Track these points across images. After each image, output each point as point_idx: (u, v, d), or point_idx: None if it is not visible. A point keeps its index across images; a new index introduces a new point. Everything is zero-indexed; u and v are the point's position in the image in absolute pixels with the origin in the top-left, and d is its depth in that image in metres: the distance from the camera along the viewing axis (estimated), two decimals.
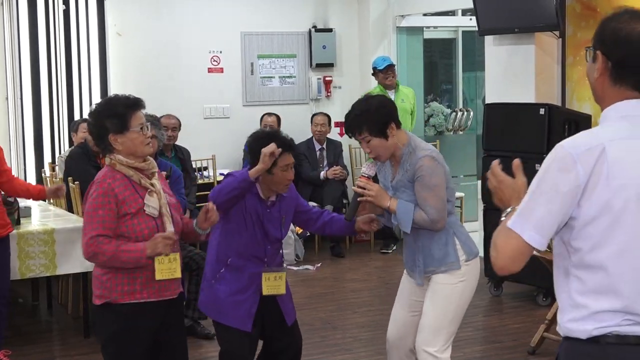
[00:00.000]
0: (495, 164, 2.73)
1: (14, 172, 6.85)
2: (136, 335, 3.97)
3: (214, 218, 4.15)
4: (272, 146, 4.37)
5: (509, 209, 2.64)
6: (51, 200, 7.67)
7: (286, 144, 4.51)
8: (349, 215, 4.53)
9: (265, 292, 4.52)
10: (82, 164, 6.99)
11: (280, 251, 4.71)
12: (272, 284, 4.53)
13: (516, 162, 2.72)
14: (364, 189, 4.26)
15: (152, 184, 4.00)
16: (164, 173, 5.26)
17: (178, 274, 4.01)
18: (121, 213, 3.89)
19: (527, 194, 2.57)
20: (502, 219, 2.63)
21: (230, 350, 4.58)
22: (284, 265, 4.87)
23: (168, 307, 4.05)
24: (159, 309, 4.01)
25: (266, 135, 4.56)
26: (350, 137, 4.41)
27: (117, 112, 3.94)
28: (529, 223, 2.50)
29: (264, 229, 4.52)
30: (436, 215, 4.18)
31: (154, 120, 6.46)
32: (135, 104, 4.01)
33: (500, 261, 2.63)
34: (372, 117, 4.23)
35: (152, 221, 3.95)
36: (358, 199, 4.33)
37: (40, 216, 6.88)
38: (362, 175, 4.33)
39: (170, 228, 3.98)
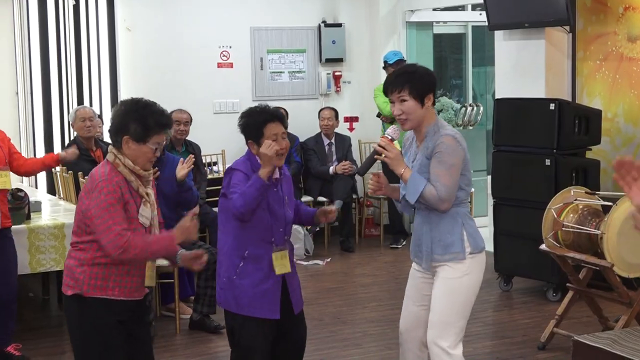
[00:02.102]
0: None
1: None
2: (106, 327, 3.96)
3: (198, 268, 4.23)
4: (270, 147, 4.36)
5: None
6: (61, 194, 7.70)
7: (273, 114, 4.51)
8: (362, 170, 4.51)
9: (277, 271, 4.49)
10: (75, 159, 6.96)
11: (286, 237, 4.65)
12: (281, 263, 4.52)
13: (619, 160, 2.44)
14: (385, 149, 4.22)
15: (147, 194, 4.01)
16: (191, 156, 5.40)
17: (153, 282, 4.11)
18: None
19: None
20: None
21: (253, 343, 4.51)
22: (291, 242, 4.82)
23: (135, 305, 4.06)
24: (126, 306, 4.01)
25: (257, 110, 4.55)
26: (385, 95, 4.34)
27: (145, 123, 3.92)
28: None
29: (271, 211, 4.50)
30: (445, 194, 4.16)
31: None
32: (165, 125, 4.01)
33: None
34: (418, 79, 4.23)
35: (143, 230, 3.97)
36: (375, 157, 4.28)
37: (51, 211, 6.89)
38: (386, 136, 4.26)
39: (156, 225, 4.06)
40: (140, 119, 3.92)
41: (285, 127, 4.60)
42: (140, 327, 4.17)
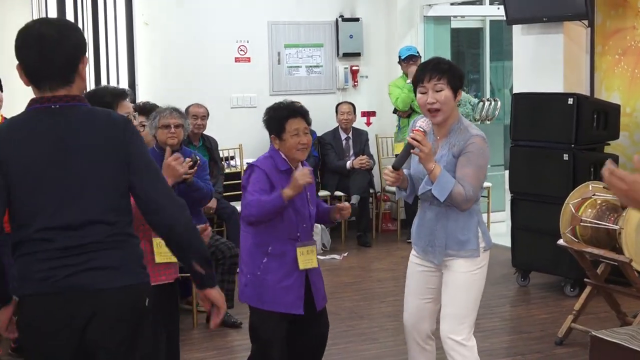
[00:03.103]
0: (612, 165, 2.51)
1: None
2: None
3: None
4: (304, 177, 4.39)
5: None
6: None
7: (295, 110, 4.60)
8: (398, 163, 4.31)
9: (301, 266, 4.52)
10: None
11: (312, 232, 4.69)
12: (306, 258, 4.54)
13: (638, 158, 2.53)
14: (421, 143, 4.12)
15: None
16: (188, 159, 5.33)
17: (175, 259, 3.94)
18: None
19: None
20: None
21: (273, 337, 4.54)
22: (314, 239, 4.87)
23: (161, 293, 4.05)
24: (154, 295, 4.00)
25: (281, 106, 4.67)
26: (416, 84, 4.28)
27: (103, 101, 3.93)
28: None
29: (295, 208, 4.52)
30: (472, 194, 4.16)
31: (173, 110, 6.48)
32: (122, 93, 4.13)
33: None
34: (456, 71, 4.25)
35: None
36: (411, 151, 4.19)
37: None
38: (419, 129, 4.19)
39: None
40: (98, 100, 3.85)
41: (309, 123, 4.63)
42: (170, 321, 4.17)
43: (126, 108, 4.07)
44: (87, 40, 8.84)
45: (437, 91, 4.18)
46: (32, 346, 3.10)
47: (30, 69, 3.09)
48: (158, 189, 3.17)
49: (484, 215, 6.59)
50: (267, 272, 4.52)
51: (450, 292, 4.31)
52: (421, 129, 4.19)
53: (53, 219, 3.02)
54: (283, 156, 4.57)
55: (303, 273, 4.55)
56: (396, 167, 4.28)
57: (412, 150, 4.18)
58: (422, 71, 4.25)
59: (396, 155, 9.47)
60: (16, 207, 3.06)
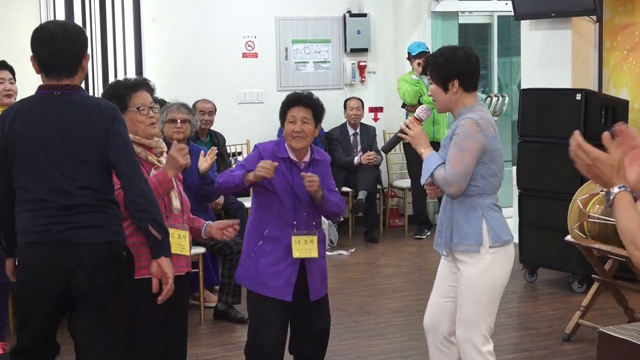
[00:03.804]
0: (580, 137, 2.56)
1: None
2: (142, 313, 3.98)
3: (229, 235, 4.37)
4: (265, 167, 4.45)
5: (615, 190, 2.47)
6: None
7: (297, 98, 4.67)
8: (387, 148, 4.63)
9: (295, 255, 4.56)
10: None
11: (314, 222, 4.70)
12: (302, 247, 4.58)
13: (607, 135, 2.56)
14: (408, 127, 4.31)
15: (159, 161, 4.15)
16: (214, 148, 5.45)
17: (187, 252, 4.17)
18: None
19: None
20: (610, 200, 2.47)
21: (264, 321, 4.60)
22: (324, 232, 4.91)
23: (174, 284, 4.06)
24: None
25: (291, 94, 4.75)
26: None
27: (118, 93, 4.14)
28: None
29: (295, 194, 4.57)
30: (451, 178, 4.12)
31: (181, 106, 6.50)
32: (135, 85, 4.21)
33: None
34: (438, 66, 4.25)
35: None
36: (398, 134, 4.37)
37: None
38: (414, 117, 4.34)
39: (176, 203, 4.14)
40: (113, 92, 4.18)
41: (316, 115, 4.68)
42: (177, 317, 4.17)
43: (140, 99, 4.14)
44: (95, 37, 8.96)
45: (430, 84, 4.30)
46: (25, 288, 3.75)
47: (41, 61, 3.75)
48: (129, 169, 3.76)
49: None
50: (260, 254, 4.60)
51: (461, 297, 4.27)
52: (416, 116, 4.33)
53: (51, 183, 3.65)
54: (286, 144, 4.64)
55: (297, 261, 4.59)
56: (385, 151, 4.67)
57: (400, 134, 4.35)
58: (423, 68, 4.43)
59: (405, 151, 9.52)
60: (21, 173, 3.72)
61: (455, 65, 4.22)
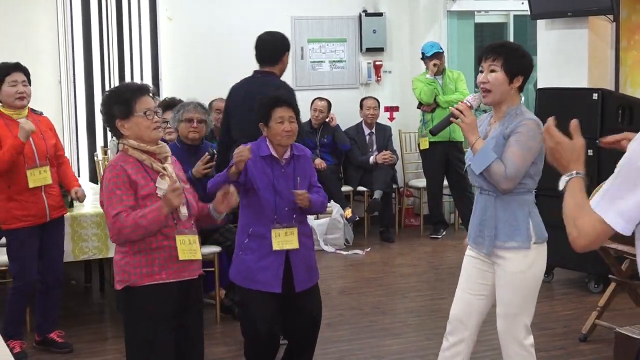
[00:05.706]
0: (551, 122, 2.63)
1: (67, 156, 6.89)
2: (157, 318, 3.99)
3: (232, 201, 4.26)
4: (239, 153, 4.64)
5: (572, 174, 2.59)
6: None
7: (280, 99, 4.89)
8: (436, 129, 4.52)
9: (275, 247, 4.77)
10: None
11: (295, 215, 4.85)
12: (282, 240, 4.78)
13: (574, 123, 2.66)
14: (462, 113, 4.20)
15: (164, 168, 4.07)
16: (206, 155, 5.40)
17: (198, 255, 4.13)
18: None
19: (614, 174, 2.54)
20: (564, 183, 2.58)
21: (256, 313, 4.82)
22: (309, 227, 5.10)
23: (187, 288, 4.08)
24: (179, 290, 4.04)
25: (269, 96, 4.97)
26: (480, 60, 4.29)
27: (122, 98, 4.05)
28: (614, 207, 2.46)
29: (276, 190, 4.78)
30: (513, 174, 4.13)
31: (197, 105, 6.49)
32: (140, 89, 4.12)
33: (582, 241, 2.59)
34: (515, 55, 4.21)
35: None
36: (450, 119, 4.28)
37: (93, 199, 6.94)
38: (465, 102, 4.26)
39: (184, 210, 4.06)
40: (117, 98, 4.08)
41: (296, 112, 4.92)
42: (192, 318, 4.18)
43: (145, 104, 4.05)
44: (111, 36, 9.00)
45: (491, 71, 4.20)
46: None
47: None
48: None
49: None
50: (247, 251, 4.84)
51: (501, 291, 4.28)
52: (467, 103, 4.25)
53: None
54: (267, 143, 4.85)
55: (282, 254, 4.80)
56: (433, 133, 4.57)
57: (451, 119, 4.26)
58: (484, 50, 4.30)
59: (421, 150, 9.49)
60: None
61: (528, 64, 4.25)
